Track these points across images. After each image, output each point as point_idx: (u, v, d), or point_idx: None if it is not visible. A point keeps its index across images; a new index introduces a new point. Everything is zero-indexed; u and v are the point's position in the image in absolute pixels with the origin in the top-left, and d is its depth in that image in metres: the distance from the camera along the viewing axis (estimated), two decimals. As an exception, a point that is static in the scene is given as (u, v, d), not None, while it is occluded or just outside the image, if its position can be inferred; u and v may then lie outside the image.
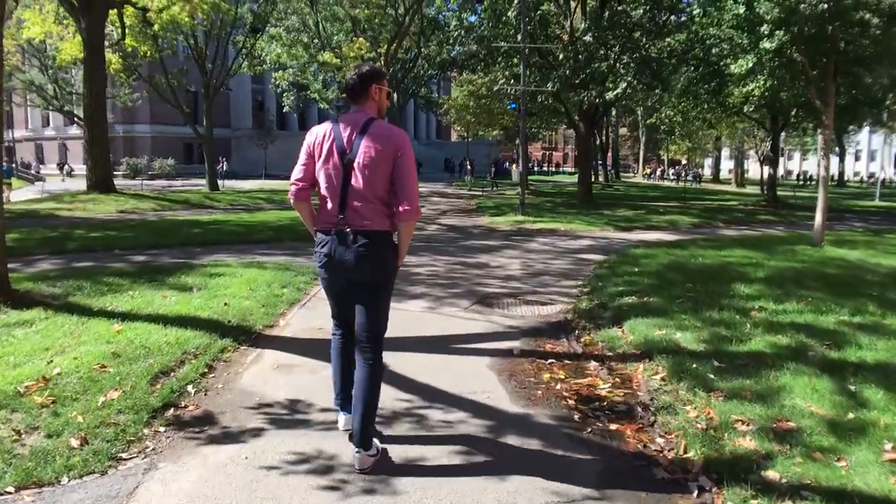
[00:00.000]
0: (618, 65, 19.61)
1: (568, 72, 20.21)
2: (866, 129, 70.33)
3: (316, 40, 30.82)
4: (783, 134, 47.66)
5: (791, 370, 4.70)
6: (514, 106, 19.67)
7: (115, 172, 50.32)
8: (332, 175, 3.31)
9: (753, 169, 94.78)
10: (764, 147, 49.98)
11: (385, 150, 3.26)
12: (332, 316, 3.65)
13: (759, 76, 12.30)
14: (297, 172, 3.42)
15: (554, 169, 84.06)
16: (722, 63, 23.52)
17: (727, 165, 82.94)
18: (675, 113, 30.12)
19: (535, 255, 11.54)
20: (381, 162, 3.26)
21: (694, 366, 4.80)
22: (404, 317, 6.32)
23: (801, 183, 59.90)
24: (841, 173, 75.86)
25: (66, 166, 52.09)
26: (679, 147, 74.91)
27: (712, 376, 4.60)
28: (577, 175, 61.43)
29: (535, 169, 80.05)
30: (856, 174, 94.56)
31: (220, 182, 38.82)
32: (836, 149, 76.33)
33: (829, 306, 6.78)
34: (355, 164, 3.27)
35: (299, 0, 32.72)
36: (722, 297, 7.09)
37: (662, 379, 4.70)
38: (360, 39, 20.92)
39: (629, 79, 18.76)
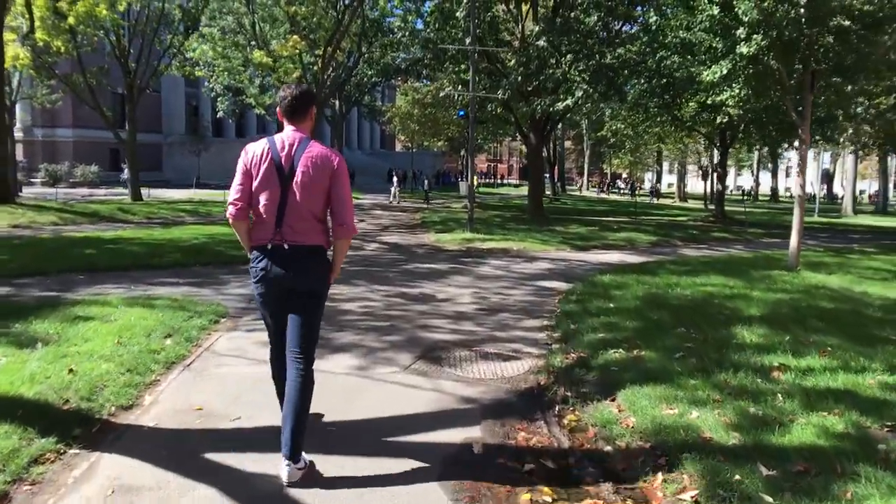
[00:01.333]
0: (573, 71, 18.41)
1: (519, 78, 18.89)
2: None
3: (253, 42, 28.82)
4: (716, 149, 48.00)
5: (872, 481, 3.27)
6: (462, 113, 18.22)
7: (32, 180, 47.19)
8: (270, 193, 3.39)
9: (691, 184, 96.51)
10: (705, 162, 50.18)
11: (322, 171, 3.40)
12: (269, 336, 3.73)
13: (734, 84, 11.14)
14: (235, 192, 3.45)
15: (500, 181, 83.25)
16: (676, 75, 22.76)
17: (667, 180, 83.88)
18: (625, 126, 29.28)
19: (488, 283, 10.01)
20: (317, 181, 3.40)
21: (736, 477, 3.31)
22: (324, 385, 4.67)
23: (744, 198, 60.43)
24: (774, 189, 77.49)
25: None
26: (621, 161, 75.41)
27: (769, 499, 3.12)
28: (525, 188, 60.80)
29: (481, 181, 79.05)
30: (786, 190, 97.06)
31: (146, 191, 36.25)
32: (770, 165, 78.07)
33: (856, 359, 5.47)
34: (293, 183, 3.38)
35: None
36: (727, 348, 5.69)
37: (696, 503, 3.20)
38: (295, 37, 19.15)
39: (585, 87, 17.58)
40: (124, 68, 31.31)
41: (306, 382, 3.44)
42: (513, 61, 18.43)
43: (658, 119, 28.20)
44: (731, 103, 11.49)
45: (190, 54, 29.37)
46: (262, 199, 3.39)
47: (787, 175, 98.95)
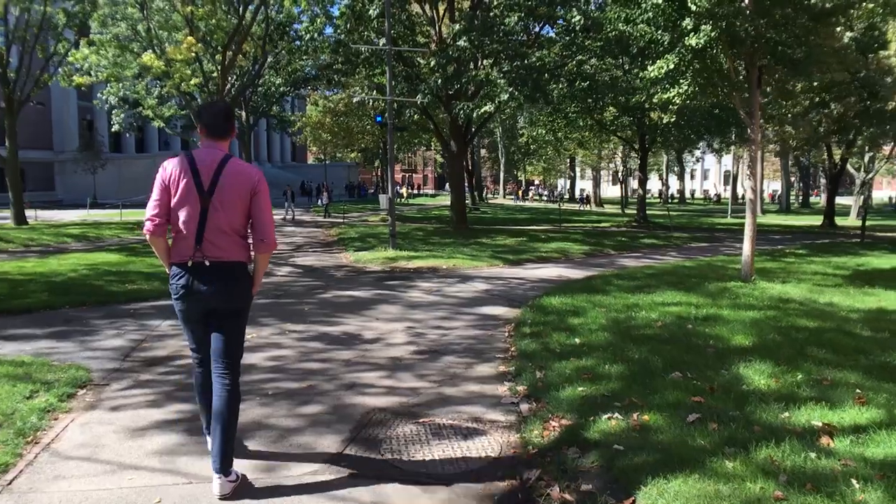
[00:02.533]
0: (495, 72, 17.25)
1: (439, 81, 17.61)
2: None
3: (149, 50, 26.21)
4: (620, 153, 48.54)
5: None
6: (380, 120, 16.74)
7: None
8: (190, 209, 3.38)
9: (605, 189, 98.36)
10: (618, 167, 50.60)
11: (243, 187, 3.43)
12: (191, 350, 3.75)
13: (680, 81, 10.18)
14: (152, 208, 3.42)
15: (416, 191, 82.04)
16: (598, 78, 22.11)
17: (580, 185, 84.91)
18: (546, 132, 28.56)
19: (422, 313, 8.57)
20: (238, 198, 3.43)
21: None
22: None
23: (666, 202, 61.66)
24: (681, 192, 79.78)
25: None
26: (535, 168, 75.77)
27: None
28: (442, 198, 59.66)
29: (412, 192, 77.50)
30: (692, 192, 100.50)
31: (33, 213, 32.86)
32: (676, 168, 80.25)
33: (890, 404, 4.41)
34: (214, 200, 3.38)
35: (127, 4, 27.97)
36: (745, 402, 4.47)
37: None
38: (189, 38, 17.16)
39: (509, 89, 16.48)
40: (2, 79, 28.18)
41: (233, 396, 3.51)
42: (433, 62, 17.12)
43: (578, 124, 27.65)
44: (677, 101, 10.52)
45: (75, 61, 26.54)
46: (182, 215, 3.39)
47: (692, 178, 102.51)
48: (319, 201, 30.77)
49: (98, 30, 27.13)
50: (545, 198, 62.57)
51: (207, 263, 3.40)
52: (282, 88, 46.87)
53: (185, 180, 3.37)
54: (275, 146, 79.81)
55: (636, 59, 24.85)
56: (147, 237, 3.50)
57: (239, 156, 63.12)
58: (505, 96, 16.54)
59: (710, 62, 9.94)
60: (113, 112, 44.21)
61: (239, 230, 3.48)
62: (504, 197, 69.38)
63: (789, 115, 20.02)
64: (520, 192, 65.06)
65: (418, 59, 20.96)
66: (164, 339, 7.02)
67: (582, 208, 46.06)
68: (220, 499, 3.32)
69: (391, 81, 15.88)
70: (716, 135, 26.31)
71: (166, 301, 9.27)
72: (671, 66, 9.83)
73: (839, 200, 42.71)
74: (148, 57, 18.31)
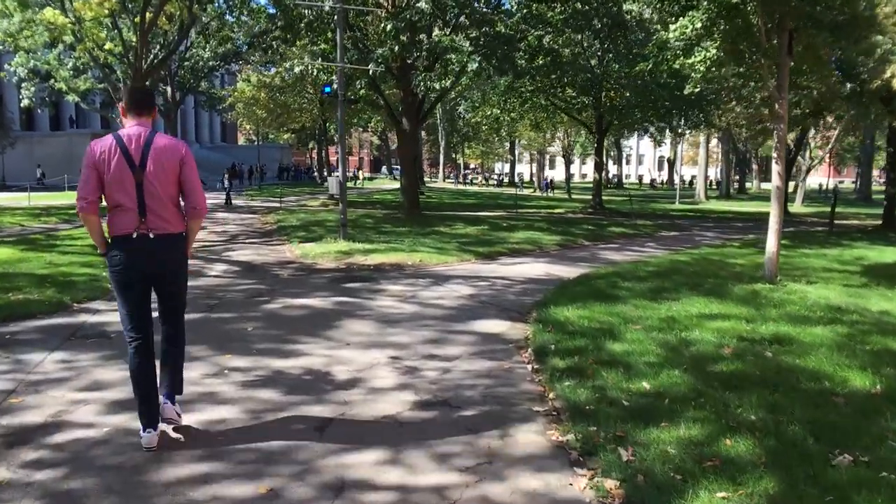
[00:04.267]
0: (461, 39, 15.21)
1: (396, 49, 15.49)
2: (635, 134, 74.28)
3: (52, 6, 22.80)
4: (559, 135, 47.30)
5: None
6: (328, 90, 14.52)
7: None
8: (126, 185, 3.55)
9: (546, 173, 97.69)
10: (567, 151, 49.43)
11: (171, 159, 3.63)
12: (127, 330, 3.78)
13: (703, 46, 8.48)
14: (84, 187, 3.57)
15: (351, 174, 78.97)
16: (564, 52, 20.41)
17: (519, 169, 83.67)
18: (500, 112, 26.75)
19: (404, 334, 6.59)
20: (169, 169, 3.62)
21: None
22: None
23: (632, 187, 61.12)
24: (618, 175, 79.68)
25: None
26: (473, 151, 74.21)
27: None
28: (380, 181, 57.23)
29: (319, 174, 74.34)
30: (627, 177, 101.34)
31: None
32: (613, 152, 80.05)
33: None
34: (147, 173, 3.57)
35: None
36: None
37: None
38: (100, -12, 14.65)
39: (478, 59, 14.53)
40: None
41: (180, 339, 3.99)
42: (388, 26, 14.98)
43: (537, 103, 25.96)
44: (701, 68, 8.81)
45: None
46: (119, 191, 3.56)
47: (627, 162, 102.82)
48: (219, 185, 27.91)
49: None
50: (494, 181, 60.99)
51: (152, 236, 3.61)
52: (210, 62, 43.51)
53: (115, 158, 3.54)
54: (203, 126, 75.37)
55: (599, 34, 23.36)
56: (80, 215, 3.65)
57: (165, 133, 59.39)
58: (473, 66, 14.60)
59: (741, 21, 8.26)
60: (22, 86, 40.03)
61: (174, 200, 3.69)
62: (444, 181, 67.48)
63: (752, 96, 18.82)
64: (461, 176, 63.30)
65: (368, 25, 18.75)
66: (43, 387, 4.83)
67: (547, 193, 44.07)
68: (165, 419, 3.85)
69: (342, 45, 13.68)
70: (680, 115, 25.03)
71: (59, 319, 6.99)
72: (697, 26, 8.10)
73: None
74: (51, 12, 15.50)
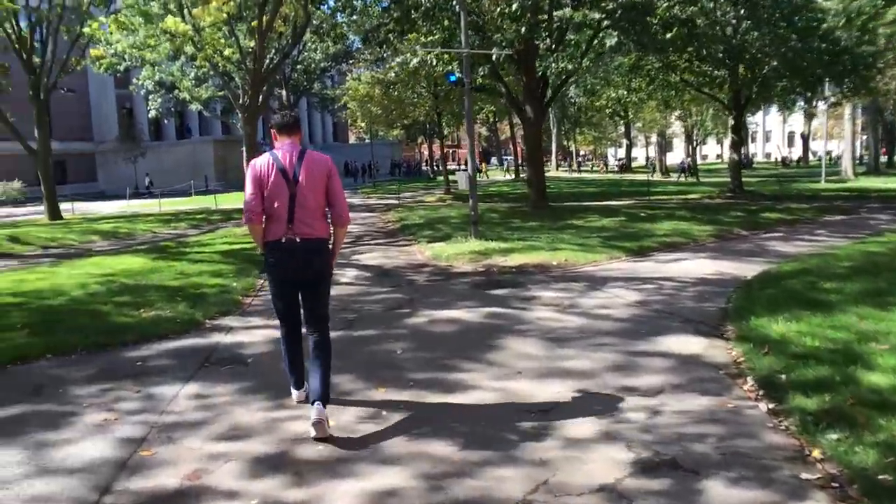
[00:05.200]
0: (594, 13, 13.80)
1: (523, 30, 14.34)
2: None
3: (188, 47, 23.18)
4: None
5: None
6: (454, 78, 13.58)
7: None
8: (281, 195, 4.00)
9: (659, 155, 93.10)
10: (695, 130, 46.35)
11: (320, 172, 4.08)
12: (279, 318, 4.37)
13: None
14: (250, 199, 4.05)
15: (463, 168, 78.51)
16: (699, 22, 18.54)
17: (635, 153, 79.95)
18: (628, 93, 24.97)
19: (580, 357, 5.48)
20: (318, 181, 4.06)
21: None
22: None
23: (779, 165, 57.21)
24: (747, 155, 74.55)
25: None
26: (585, 137, 71.53)
27: None
28: (492, 173, 56.27)
29: (437, 167, 73.94)
30: (753, 155, 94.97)
31: (70, 206, 30.76)
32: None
33: None
34: (299, 186, 4.00)
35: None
36: None
37: None
38: (218, -6, 14.44)
39: (615, 34, 13.11)
40: (26, 65, 25.81)
41: (327, 345, 4.23)
42: (514, 5, 13.82)
43: (663, 80, 24.01)
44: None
45: (100, 38, 23.89)
46: (275, 201, 4.00)
47: (753, 140, 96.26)
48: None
49: (127, 11, 24.27)
50: (616, 167, 58.48)
51: (298, 240, 4.01)
52: (322, 64, 44.03)
53: (273, 172, 4.02)
54: (316, 126, 77.16)
55: (736, 1, 21.19)
56: (246, 224, 4.19)
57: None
58: (612, 41, 13.20)
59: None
60: (150, 98, 41.98)
61: (321, 209, 4.10)
62: (556, 169, 65.48)
63: None
64: (575, 163, 61.29)
65: (486, 10, 17.68)
66: (177, 434, 4.10)
67: (681, 178, 40.77)
68: (315, 423, 3.87)
69: (466, 30, 12.68)
70: (840, 81, 22.34)
71: (190, 340, 6.34)
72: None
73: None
74: (172, 21, 15.57)
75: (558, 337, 6.08)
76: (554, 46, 17.83)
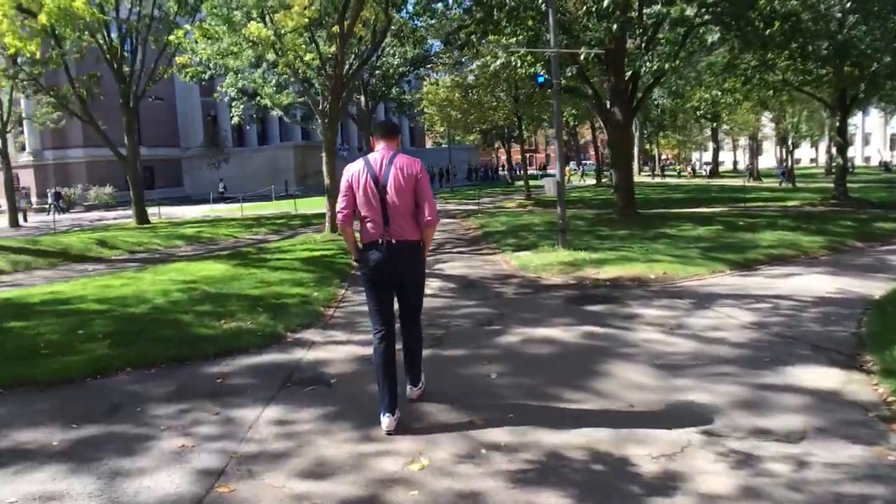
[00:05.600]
0: (691, 8, 12.90)
1: (615, 27, 13.65)
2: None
3: (269, 55, 23.54)
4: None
5: None
6: (542, 79, 13.03)
7: (44, 206, 43.09)
8: (373, 200, 4.16)
9: (746, 159, 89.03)
10: (791, 133, 43.91)
11: (409, 176, 4.17)
12: (374, 325, 4.35)
13: None
14: (342, 203, 4.26)
15: (542, 172, 77.39)
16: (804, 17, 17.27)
17: (721, 157, 76.62)
18: (723, 94, 23.66)
19: (695, 391, 4.84)
20: (407, 185, 4.16)
21: None
22: None
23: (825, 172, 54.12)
24: (847, 159, 70.33)
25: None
26: (668, 141, 69.16)
27: None
28: (573, 177, 55.12)
29: (517, 171, 72.86)
30: (851, 159, 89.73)
31: (156, 210, 31.81)
32: (832, 133, 70.91)
33: None
34: (388, 189, 4.14)
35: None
36: None
37: None
38: (299, 1, 14.33)
39: (717, 29, 12.20)
40: (117, 74, 26.81)
41: (419, 337, 4.58)
42: (606, 2, 13.11)
43: (761, 80, 22.62)
44: None
45: (185, 46, 24.50)
46: (368, 206, 4.17)
47: (851, 144, 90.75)
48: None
49: (211, 20, 24.77)
50: (704, 172, 56.37)
51: (394, 242, 4.16)
52: (400, 69, 44.03)
53: (364, 178, 4.17)
54: (394, 131, 77.65)
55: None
56: (338, 226, 4.44)
57: (359, 142, 60.91)
58: (713, 37, 12.31)
59: None
60: (232, 105, 43.05)
61: (412, 211, 4.20)
62: (639, 173, 63.58)
63: None
64: (658, 168, 59.40)
65: (572, 8, 17.00)
66: (258, 467, 3.72)
67: (782, 185, 38.29)
68: (409, 401, 4.51)
69: (555, 27, 12.08)
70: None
71: (272, 356, 6.01)
72: None
73: None
74: (255, 27, 15.68)
75: (670, 364, 5.43)
76: (645, 45, 17.01)
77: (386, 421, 4.16)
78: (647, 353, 5.74)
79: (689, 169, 60.28)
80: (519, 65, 16.31)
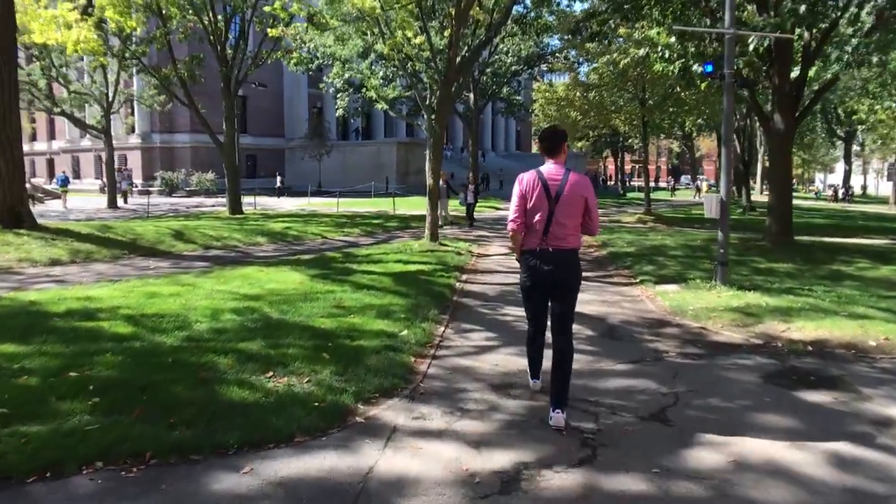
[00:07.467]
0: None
1: (802, 8, 10.76)
2: None
3: (375, 29, 21.73)
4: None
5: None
6: (710, 69, 10.33)
7: (150, 189, 43.50)
8: (542, 212, 4.40)
9: (873, 184, 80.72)
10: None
11: (579, 194, 4.42)
12: (528, 319, 4.79)
13: None
14: (514, 211, 4.51)
15: (653, 185, 73.05)
16: None
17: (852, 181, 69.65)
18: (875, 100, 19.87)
19: None
20: (577, 201, 4.41)
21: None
22: None
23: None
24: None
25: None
26: (795, 160, 63.36)
27: None
28: (684, 192, 50.88)
29: (627, 182, 68.83)
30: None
31: (251, 200, 30.92)
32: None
33: None
34: (561, 202, 4.38)
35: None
36: None
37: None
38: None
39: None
40: (219, 57, 25.81)
41: (569, 351, 4.50)
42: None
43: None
44: None
45: (291, 34, 23.06)
46: (536, 215, 4.42)
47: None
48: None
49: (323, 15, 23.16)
50: (843, 196, 51.41)
51: (551, 249, 4.40)
52: (513, 67, 41.60)
53: (537, 189, 4.41)
54: (499, 133, 75.43)
55: None
56: (510, 233, 4.62)
57: (464, 142, 58.84)
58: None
59: None
60: (338, 96, 41.97)
61: (576, 225, 4.46)
62: (762, 193, 58.40)
63: None
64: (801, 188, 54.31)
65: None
66: None
67: None
68: (555, 429, 4.26)
69: (732, 4, 9.37)
70: None
71: (325, 458, 3.77)
72: None
73: None
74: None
75: None
76: (820, 39, 13.90)
77: (532, 382, 5.05)
78: None
79: (830, 192, 54.86)
80: (666, 56, 13.56)
